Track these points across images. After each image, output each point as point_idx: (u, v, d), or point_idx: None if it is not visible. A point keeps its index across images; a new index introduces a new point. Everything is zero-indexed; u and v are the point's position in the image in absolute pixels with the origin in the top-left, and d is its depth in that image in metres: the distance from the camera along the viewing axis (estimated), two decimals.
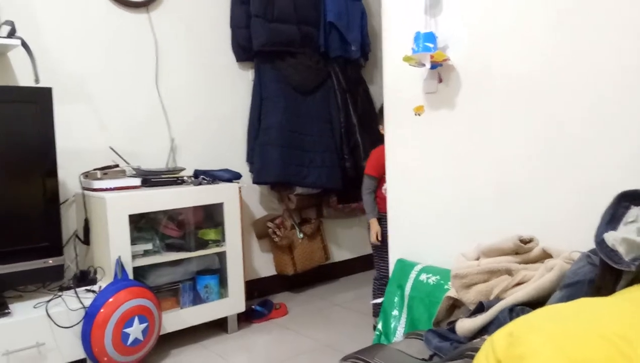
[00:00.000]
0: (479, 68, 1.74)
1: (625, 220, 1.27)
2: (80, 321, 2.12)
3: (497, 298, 1.39)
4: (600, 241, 1.22)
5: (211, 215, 2.75)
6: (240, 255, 2.72)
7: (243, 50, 3.09)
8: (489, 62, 1.71)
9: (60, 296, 2.17)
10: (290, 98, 3.12)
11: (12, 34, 2.15)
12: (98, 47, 2.65)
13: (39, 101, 2.13)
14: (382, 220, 2.66)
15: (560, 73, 1.54)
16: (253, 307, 2.91)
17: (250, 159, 3.16)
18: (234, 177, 2.78)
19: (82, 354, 2.14)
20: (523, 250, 1.49)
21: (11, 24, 2.14)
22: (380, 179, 2.65)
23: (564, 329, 0.91)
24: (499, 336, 0.97)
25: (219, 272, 2.71)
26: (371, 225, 2.68)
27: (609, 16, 1.43)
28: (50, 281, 2.31)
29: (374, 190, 2.68)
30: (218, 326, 2.75)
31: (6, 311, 2.03)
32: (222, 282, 2.70)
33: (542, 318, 0.99)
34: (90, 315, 2.11)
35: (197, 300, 2.63)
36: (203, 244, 2.66)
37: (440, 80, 1.86)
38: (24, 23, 2.37)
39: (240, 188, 2.74)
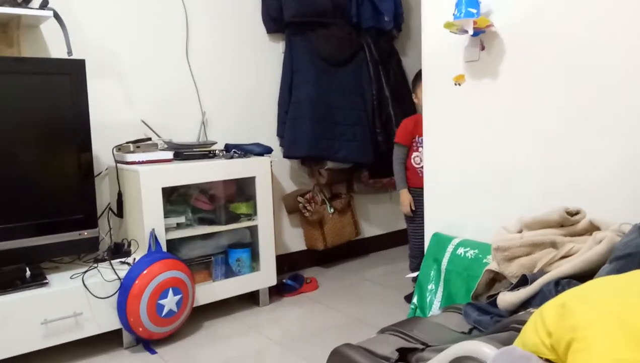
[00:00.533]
0: (524, 35, 1.66)
1: None
2: (116, 292, 2.15)
3: (542, 272, 1.34)
4: None
5: (242, 189, 2.74)
6: (272, 229, 2.72)
7: (274, 22, 3.04)
8: (535, 28, 1.63)
9: (95, 267, 2.20)
10: (322, 70, 3.06)
11: (44, 5, 2.14)
12: (129, 20, 2.63)
13: (72, 73, 2.13)
14: (415, 194, 2.62)
15: (611, 41, 1.46)
16: (284, 280, 2.91)
17: (280, 133, 3.13)
18: (265, 151, 2.76)
19: (118, 324, 2.17)
20: (569, 222, 1.43)
21: None
22: (410, 148, 2.61)
23: (620, 300, 0.86)
24: (549, 307, 0.93)
25: (250, 246, 2.71)
26: (401, 196, 2.65)
27: None
28: (85, 253, 2.34)
29: (404, 160, 2.64)
30: (250, 299, 2.76)
31: (44, 281, 2.06)
32: (254, 256, 2.71)
33: (595, 289, 0.94)
34: (125, 287, 2.13)
35: (229, 273, 2.64)
36: (235, 218, 2.66)
37: (483, 48, 1.78)
38: None
39: (271, 162, 2.72)
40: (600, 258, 1.25)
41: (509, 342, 1.06)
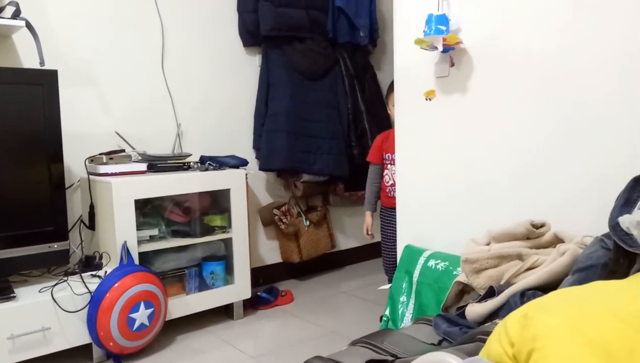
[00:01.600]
0: (493, 51, 1.70)
1: (639, 204, 1.24)
2: (86, 306, 2.12)
3: (508, 283, 1.36)
4: (614, 224, 1.19)
5: (217, 201, 2.74)
6: (247, 242, 2.71)
7: (250, 35, 3.06)
8: (503, 45, 1.67)
9: (65, 281, 2.17)
10: (298, 84, 3.09)
11: (16, 15, 2.13)
12: (103, 30, 2.62)
13: (44, 83, 2.11)
14: (384, 214, 2.60)
15: (575, 56, 1.50)
16: (259, 293, 2.90)
17: (256, 145, 3.14)
18: (240, 163, 2.76)
19: (87, 339, 2.14)
20: (535, 235, 1.46)
21: (15, 4, 2.12)
22: (383, 166, 2.60)
23: (579, 310, 0.88)
24: (512, 318, 0.95)
25: (225, 258, 2.70)
26: (365, 217, 2.66)
27: None
28: (55, 266, 2.31)
29: (375, 179, 2.62)
30: (224, 312, 2.74)
31: (11, 295, 2.02)
32: (228, 269, 2.69)
33: (556, 300, 0.97)
34: (95, 300, 2.10)
35: (202, 286, 2.62)
36: (209, 230, 2.65)
37: (453, 64, 1.82)
38: (29, 4, 2.35)
39: (246, 174, 2.72)
40: (564, 270, 1.28)
41: (474, 352, 1.08)
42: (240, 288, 2.69)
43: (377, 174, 2.61)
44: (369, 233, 2.64)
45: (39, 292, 2.09)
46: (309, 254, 3.28)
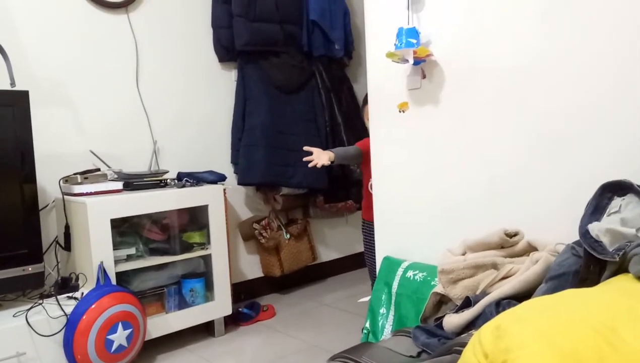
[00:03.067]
0: (463, 63, 1.73)
1: (608, 210, 1.27)
2: (62, 329, 2.08)
3: (484, 293, 1.38)
4: (584, 232, 1.21)
5: (196, 217, 2.72)
6: (226, 258, 2.69)
7: (225, 51, 3.06)
8: (473, 57, 1.70)
9: (40, 304, 2.13)
10: (274, 98, 3.09)
11: None
12: (76, 49, 2.60)
13: (15, 105, 2.08)
14: (365, 227, 2.58)
15: (546, 68, 1.53)
16: (240, 309, 2.87)
17: (234, 160, 3.13)
18: (218, 178, 2.75)
19: None
20: (508, 243, 1.48)
21: None
22: (367, 166, 2.35)
23: (551, 320, 0.89)
24: (486, 330, 0.96)
25: (204, 275, 2.67)
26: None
27: (598, 10, 1.42)
28: (30, 289, 2.26)
29: (353, 151, 2.48)
30: (205, 330, 2.71)
31: None
32: (208, 285, 2.67)
33: (528, 310, 0.98)
34: (72, 323, 2.06)
35: (182, 304, 2.59)
36: (188, 247, 2.62)
37: (424, 76, 1.84)
38: None
39: (225, 189, 2.71)
40: (537, 278, 1.29)
41: None
42: (220, 305, 2.67)
43: (357, 151, 2.47)
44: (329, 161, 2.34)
45: (13, 316, 2.04)
46: (290, 267, 3.27)
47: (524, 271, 1.32)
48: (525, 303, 1.04)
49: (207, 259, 2.67)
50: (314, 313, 2.99)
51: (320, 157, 2.30)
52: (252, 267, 3.29)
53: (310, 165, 2.30)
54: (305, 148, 2.35)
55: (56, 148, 2.53)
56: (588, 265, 1.17)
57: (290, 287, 3.43)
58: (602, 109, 1.43)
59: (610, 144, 1.42)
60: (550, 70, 1.52)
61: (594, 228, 1.18)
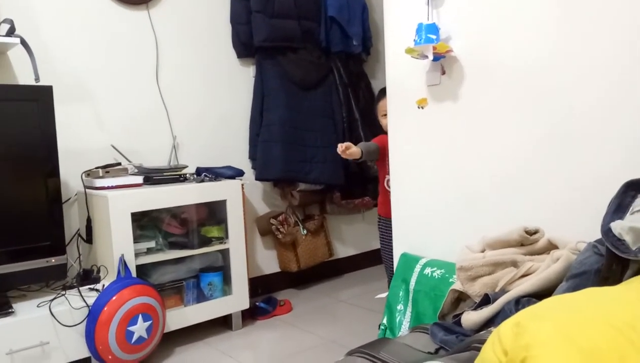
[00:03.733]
0: (483, 59, 1.72)
1: (631, 209, 1.25)
2: (84, 320, 2.12)
3: (503, 291, 1.37)
4: (606, 230, 1.20)
5: (214, 212, 2.74)
6: (244, 252, 2.71)
7: (244, 47, 3.08)
8: (493, 53, 1.69)
9: (63, 295, 2.17)
10: (292, 94, 3.10)
11: (11, 32, 2.14)
12: (98, 45, 2.64)
13: (39, 100, 2.12)
14: (382, 223, 2.59)
15: (566, 64, 1.52)
16: (257, 304, 2.90)
17: (252, 155, 3.15)
18: (236, 174, 2.77)
19: (86, 353, 2.14)
20: (528, 241, 1.47)
21: (10, 22, 2.14)
22: (384, 162, 2.44)
23: (572, 318, 0.89)
24: (506, 327, 0.96)
25: (222, 269, 2.70)
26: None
27: (613, 7, 1.41)
28: (53, 280, 2.31)
29: (377, 156, 2.48)
30: (222, 323, 2.74)
31: (9, 310, 2.02)
32: (226, 280, 2.70)
33: (549, 308, 0.97)
34: (93, 314, 2.10)
35: (200, 297, 2.62)
36: (206, 242, 2.65)
37: (444, 72, 1.84)
38: (24, 21, 2.37)
39: (243, 185, 2.73)
40: (558, 276, 1.28)
41: (470, 361, 1.09)
42: (238, 299, 2.69)
43: (376, 148, 2.46)
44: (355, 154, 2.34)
45: (37, 306, 2.09)
46: (306, 263, 3.29)
47: (544, 269, 1.32)
48: (545, 301, 1.03)
49: (225, 253, 2.70)
50: (331, 309, 3.01)
51: (351, 149, 2.30)
52: (269, 262, 3.31)
53: (339, 150, 2.30)
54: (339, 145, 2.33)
55: (78, 142, 2.58)
56: (610, 264, 1.16)
57: (306, 283, 3.45)
58: (618, 104, 1.42)
59: (632, 139, 1.41)
60: (571, 66, 1.51)
61: (617, 226, 1.17)
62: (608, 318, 0.87)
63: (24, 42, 2.16)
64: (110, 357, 2.11)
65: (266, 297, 3.02)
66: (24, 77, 2.39)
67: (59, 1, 2.51)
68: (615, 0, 1.40)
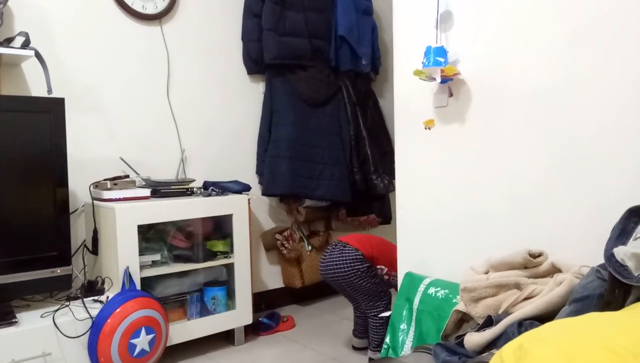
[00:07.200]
0: (490, 82, 1.74)
1: (635, 235, 1.25)
2: (87, 331, 2.12)
3: (506, 313, 1.37)
4: (609, 256, 1.20)
5: (220, 226, 2.76)
6: (248, 267, 2.72)
7: (254, 63, 3.12)
8: (500, 76, 1.71)
9: (67, 306, 2.18)
10: (300, 111, 3.13)
11: (26, 44, 2.18)
12: (110, 59, 2.68)
13: (51, 111, 2.15)
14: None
15: (572, 89, 1.53)
16: (260, 319, 2.90)
17: (259, 170, 3.17)
18: (243, 188, 2.79)
19: None
20: (532, 264, 1.48)
21: (25, 35, 2.18)
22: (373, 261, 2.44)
23: (573, 342, 0.89)
24: (508, 349, 0.96)
25: (226, 283, 2.70)
26: None
27: (623, 32, 1.42)
28: (57, 291, 2.32)
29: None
30: (225, 338, 2.74)
31: (13, 320, 2.03)
32: (230, 294, 2.70)
33: (551, 331, 0.97)
34: (97, 325, 2.11)
35: (204, 311, 2.62)
36: (211, 255, 2.66)
37: (451, 95, 1.86)
38: (38, 34, 2.42)
39: (249, 200, 2.74)
40: (561, 300, 1.28)
41: None
42: (241, 314, 2.69)
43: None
44: None
45: (41, 317, 2.10)
46: (311, 279, 3.28)
47: (547, 292, 1.32)
48: (548, 324, 1.04)
49: (229, 268, 2.71)
50: (334, 327, 3.00)
51: None
52: (273, 278, 3.31)
53: None
54: None
55: (88, 154, 2.61)
56: (613, 289, 1.16)
57: (310, 299, 3.44)
58: (626, 130, 1.42)
59: (634, 165, 1.41)
60: (575, 91, 1.52)
61: (620, 252, 1.17)
62: (609, 344, 0.87)
63: (38, 55, 2.20)
64: None
65: (269, 312, 3.02)
66: (37, 88, 2.43)
67: (73, 15, 2.56)
68: (626, 23, 1.42)
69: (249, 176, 3.16)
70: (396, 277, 2.30)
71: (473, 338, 1.37)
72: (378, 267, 2.43)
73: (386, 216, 3.47)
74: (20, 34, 2.20)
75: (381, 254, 2.44)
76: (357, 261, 2.36)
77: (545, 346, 0.91)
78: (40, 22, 2.46)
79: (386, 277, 2.44)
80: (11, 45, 2.18)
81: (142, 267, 2.38)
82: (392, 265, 2.35)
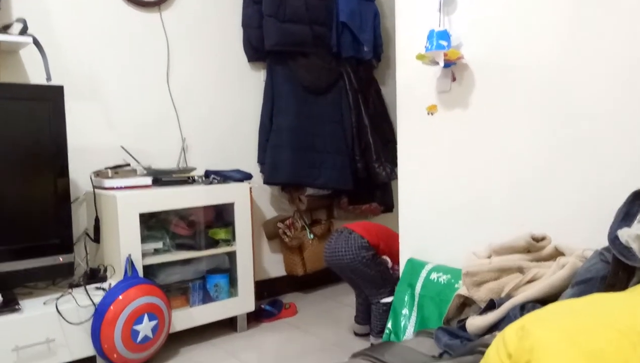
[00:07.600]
0: (493, 66, 1.72)
1: (639, 217, 1.25)
2: (90, 318, 2.13)
3: (508, 296, 1.37)
4: (613, 238, 1.20)
5: (222, 215, 2.75)
6: (251, 255, 2.72)
7: (255, 50, 3.10)
8: (504, 60, 1.69)
9: (70, 293, 2.18)
10: (302, 98, 3.12)
11: (23, 31, 2.17)
12: (109, 46, 2.67)
13: (50, 99, 2.14)
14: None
15: (576, 71, 1.52)
16: (262, 306, 2.90)
17: (261, 159, 3.17)
18: (245, 177, 2.78)
19: (91, 351, 2.15)
20: (535, 248, 1.47)
21: (23, 21, 2.16)
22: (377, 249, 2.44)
23: (576, 322, 0.89)
24: (510, 330, 0.96)
25: (228, 271, 2.71)
26: None
27: (627, 12, 1.41)
28: (60, 278, 2.32)
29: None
30: (228, 325, 2.75)
31: (16, 307, 2.04)
32: (232, 282, 2.70)
33: (553, 312, 0.97)
34: (99, 312, 2.11)
35: (206, 299, 2.63)
36: (213, 243, 2.66)
37: (454, 79, 1.84)
38: (36, 21, 2.40)
39: (251, 188, 2.74)
40: (564, 283, 1.28)
41: None
42: (244, 301, 2.70)
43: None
44: None
45: (44, 304, 2.10)
46: (312, 267, 3.29)
47: (550, 275, 1.31)
48: (550, 305, 1.03)
49: (231, 256, 2.71)
50: (336, 313, 3.00)
51: None
52: (275, 266, 3.32)
53: None
54: None
55: (88, 143, 2.60)
56: (616, 271, 1.15)
57: (312, 287, 3.45)
58: (629, 111, 1.41)
59: (638, 148, 1.40)
60: (581, 73, 1.51)
61: (624, 234, 1.17)
62: (612, 322, 0.87)
63: (36, 42, 2.19)
64: (115, 355, 2.12)
65: (272, 299, 3.02)
66: (36, 75, 2.42)
67: (72, 1, 2.54)
68: (626, 5, 1.40)
69: (251, 165, 3.15)
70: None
71: (475, 322, 1.37)
72: (384, 256, 2.43)
73: (388, 204, 3.46)
74: (17, 20, 2.19)
75: (386, 244, 2.44)
76: (362, 248, 2.36)
77: (547, 326, 0.91)
78: (38, 9, 2.44)
79: (391, 272, 2.44)
80: (9, 32, 2.17)
81: (144, 254, 2.39)
82: (395, 256, 2.35)
